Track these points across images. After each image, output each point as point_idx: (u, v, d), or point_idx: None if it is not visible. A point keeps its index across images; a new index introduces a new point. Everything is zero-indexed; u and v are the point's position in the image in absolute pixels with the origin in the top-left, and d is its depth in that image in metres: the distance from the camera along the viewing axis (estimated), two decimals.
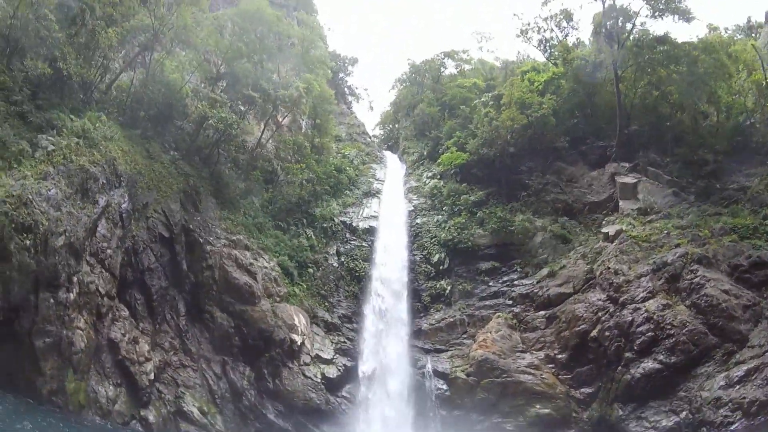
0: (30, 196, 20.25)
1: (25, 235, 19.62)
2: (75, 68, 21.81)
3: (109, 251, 23.59)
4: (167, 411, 23.83)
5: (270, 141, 33.34)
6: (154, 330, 25.32)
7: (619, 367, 25.43)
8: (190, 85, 28.52)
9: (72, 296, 21.53)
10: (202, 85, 29.49)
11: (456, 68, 43.27)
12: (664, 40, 32.38)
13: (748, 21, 46.16)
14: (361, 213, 35.03)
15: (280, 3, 37.95)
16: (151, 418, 22.86)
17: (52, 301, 20.55)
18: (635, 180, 30.77)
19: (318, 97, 33.68)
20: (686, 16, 32.33)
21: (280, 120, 34.00)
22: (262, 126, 32.36)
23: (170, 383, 24.75)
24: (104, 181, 23.46)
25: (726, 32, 43.70)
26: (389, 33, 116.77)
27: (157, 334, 25.45)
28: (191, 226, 27.92)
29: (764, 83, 30.50)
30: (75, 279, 21.87)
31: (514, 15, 38.73)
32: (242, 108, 29.62)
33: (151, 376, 23.74)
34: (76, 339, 21.18)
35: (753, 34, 42.40)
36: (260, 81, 30.09)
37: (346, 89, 47.98)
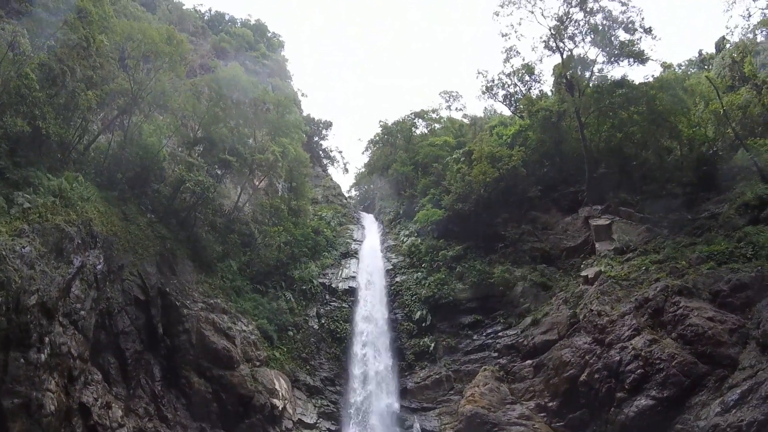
0: (3, 253, 19.87)
1: None
2: (54, 128, 22.13)
3: (82, 312, 22.95)
4: None
5: (247, 204, 33.58)
6: (128, 395, 24.22)
7: (612, 408, 24.97)
8: (167, 149, 29.02)
9: (43, 357, 20.68)
10: (179, 148, 30.01)
11: (427, 127, 44.89)
12: (621, 83, 34.30)
13: (700, 54, 49.36)
14: (339, 274, 34.93)
15: (255, 70, 39.50)
16: None
17: (22, 360, 19.68)
18: (608, 221, 31.46)
19: (294, 160, 34.39)
20: (640, 58, 34.56)
21: (257, 183, 34.45)
22: (239, 189, 32.70)
23: None
24: (79, 242, 23.20)
25: (680, 68, 46.60)
26: (362, 96, 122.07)
27: (131, 400, 24.31)
28: (168, 289, 27.44)
29: (721, 111, 32.04)
30: (47, 339, 21.10)
31: (479, 73, 41.03)
32: (219, 172, 30.07)
33: None
34: (47, 401, 20.13)
35: (705, 66, 45.05)
36: (236, 145, 30.76)
37: (321, 152, 49.12)
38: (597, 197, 32.41)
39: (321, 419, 29.45)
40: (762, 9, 37.22)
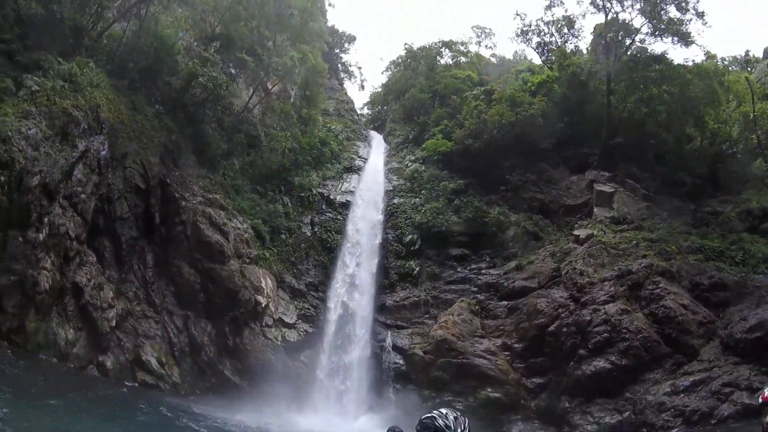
0: (9, 133, 20.27)
1: (0, 171, 19.72)
2: (69, 12, 21.65)
3: (83, 196, 23.70)
4: (125, 358, 24.21)
5: (257, 107, 33.29)
6: (119, 278, 25.57)
7: (572, 363, 26.15)
8: (182, 42, 28.35)
9: (41, 236, 21.68)
10: (195, 43, 29.32)
11: (452, 59, 43.14)
12: (660, 59, 32.78)
13: (746, 54, 46.94)
14: (339, 187, 35.24)
15: None
16: (108, 364, 23.25)
17: (20, 239, 20.68)
18: (612, 189, 31.31)
19: (311, 69, 33.54)
20: (686, 39, 32.61)
21: (270, 87, 33.94)
22: (251, 91, 32.26)
23: (131, 332, 25.09)
24: (86, 127, 23.46)
25: (723, 62, 44.36)
26: (390, 15, 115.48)
27: (123, 283, 25.70)
28: (168, 180, 28.00)
29: (752, 116, 31.12)
30: (46, 220, 22.00)
31: (517, 15, 38.90)
32: (233, 71, 29.51)
33: (113, 323, 24.08)
34: (41, 279, 21.39)
35: (749, 68, 43.04)
36: (255, 46, 29.93)
37: (339, 65, 47.82)
38: (607, 164, 31.96)
39: (300, 321, 30.96)
40: None
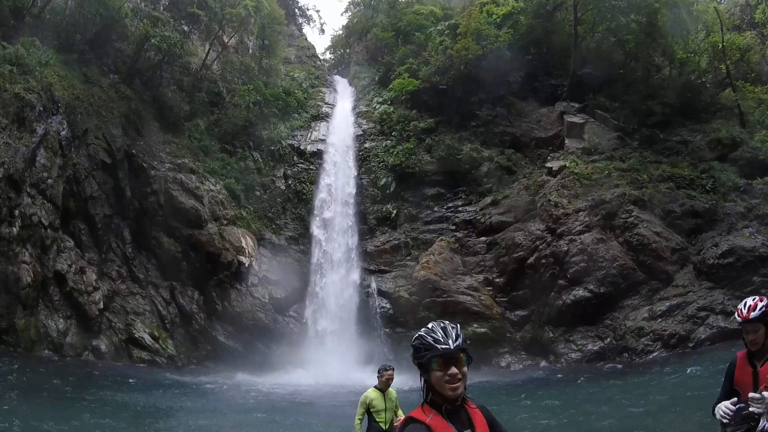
0: None
1: None
2: None
3: (50, 181, 22.89)
4: (119, 339, 24.28)
5: (215, 62, 31.73)
6: (100, 259, 25.20)
7: (552, 293, 27.19)
8: (129, 5, 26.45)
9: (15, 230, 21.09)
10: (143, 3, 27.36)
11: None
12: None
13: None
14: (309, 136, 34.46)
15: None
16: (103, 347, 23.33)
17: None
18: (583, 120, 31.47)
19: (267, 17, 31.81)
20: None
21: (227, 40, 32.22)
22: (207, 47, 30.62)
23: (120, 312, 25.06)
24: (41, 109, 22.32)
25: None
26: None
27: (104, 264, 25.36)
28: (134, 151, 27.07)
29: (720, 46, 31.01)
30: (16, 212, 21.35)
31: None
32: (186, 28, 27.87)
33: (100, 306, 23.97)
34: (22, 273, 20.99)
35: None
36: None
37: (296, 10, 45.36)
38: (576, 95, 31.87)
39: (285, 276, 31.04)
40: None
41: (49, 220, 22.64)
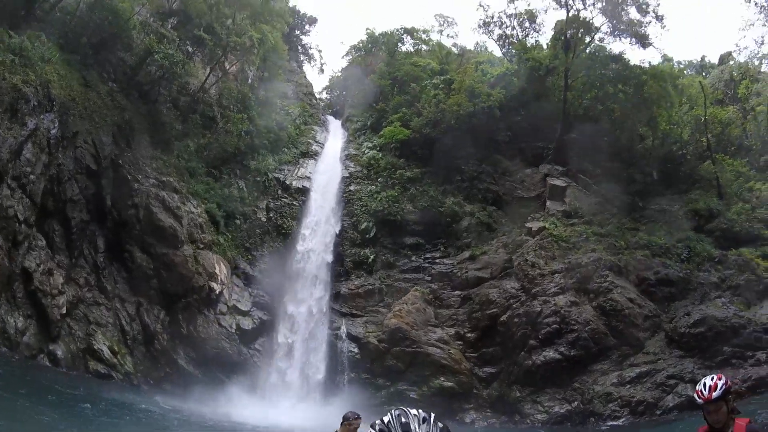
0: None
1: None
2: None
3: (32, 177, 22.46)
4: (77, 347, 23.26)
5: (214, 87, 32.10)
6: (70, 264, 24.45)
7: (523, 353, 27.06)
8: (138, 17, 26.90)
9: None
10: (152, 18, 27.86)
11: (413, 46, 43.04)
12: (618, 59, 33.90)
13: (702, 59, 49.27)
14: (296, 172, 34.65)
15: None
16: (59, 353, 22.30)
17: None
18: (565, 184, 32.37)
19: (270, 50, 32.62)
20: (644, 41, 33.84)
21: (228, 67, 32.78)
22: (208, 70, 31.08)
23: (82, 320, 24.12)
24: (35, 104, 22.15)
25: (679, 65, 46.36)
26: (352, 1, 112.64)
27: (73, 269, 24.58)
28: (121, 162, 26.81)
29: (703, 119, 32.71)
30: None
31: (480, 6, 39.57)
32: (190, 49, 28.32)
33: (63, 311, 23.07)
34: None
35: (703, 73, 45.20)
36: (213, 24, 28.75)
37: (299, 47, 46.66)
38: (561, 159, 32.99)
39: (255, 308, 30.47)
40: None
41: (24, 215, 22.04)
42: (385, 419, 2.57)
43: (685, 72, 44.02)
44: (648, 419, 23.37)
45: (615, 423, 24.11)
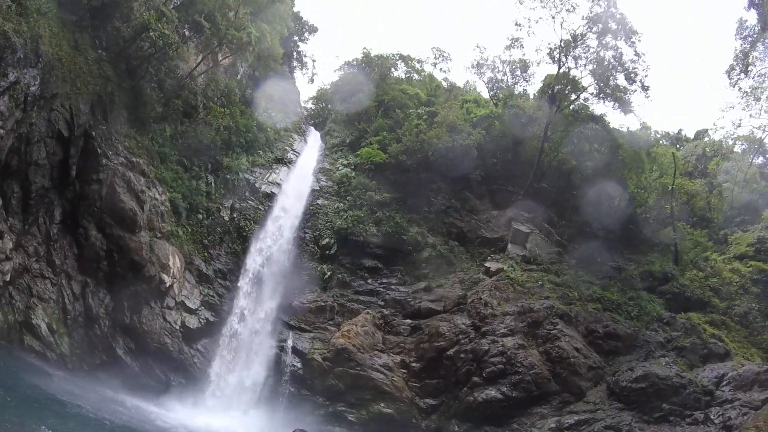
0: None
1: None
2: None
3: (1, 131, 21.22)
4: (14, 319, 21.90)
5: (202, 76, 31.52)
6: (22, 229, 23.13)
7: (465, 389, 27.35)
8: None
9: None
10: None
11: (405, 74, 43.82)
12: (598, 119, 35.69)
13: (679, 132, 52.56)
14: (267, 176, 34.18)
15: None
16: None
17: None
18: (529, 230, 33.38)
19: (266, 50, 32.44)
20: (626, 107, 35.75)
21: (220, 59, 32.31)
22: (200, 58, 30.52)
23: (24, 291, 22.76)
24: (21, 56, 21.16)
25: (655, 134, 49.12)
26: (356, 15, 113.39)
27: (24, 235, 23.24)
28: (93, 133, 25.73)
29: (670, 188, 34.63)
30: None
31: (477, 47, 41.00)
32: (187, 33, 27.73)
33: (7, 278, 21.83)
34: None
35: (678, 145, 48.05)
36: (215, 13, 28.39)
37: (295, 53, 46.44)
38: (528, 206, 34.08)
39: (203, 307, 29.57)
40: (754, 127, 40.12)
41: None
42: None
43: (660, 141, 46.78)
44: None
45: None
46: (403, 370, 29.58)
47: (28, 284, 22.86)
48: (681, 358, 26.04)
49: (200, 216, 31.02)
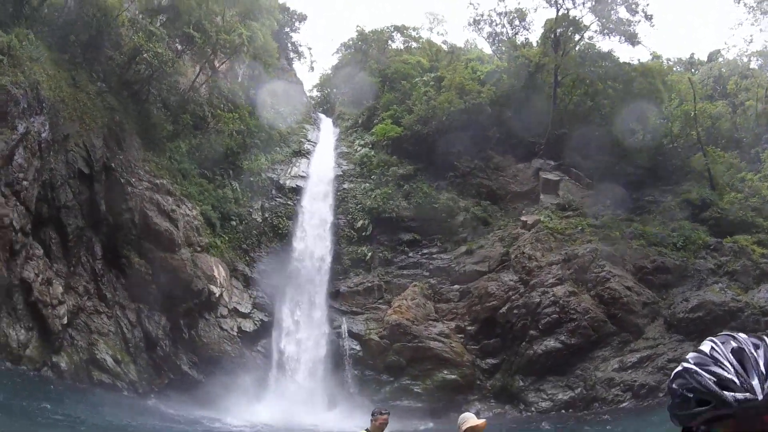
0: None
1: None
2: None
3: (25, 183, 21.68)
4: (79, 358, 22.62)
5: (204, 86, 31.52)
6: (68, 272, 23.73)
7: (523, 343, 27.47)
8: (127, 14, 26.17)
9: None
10: (141, 15, 27.12)
11: (404, 44, 43.06)
12: (607, 56, 34.61)
13: (691, 56, 50.71)
14: (289, 171, 34.29)
15: None
16: (63, 364, 21.66)
17: None
18: (558, 178, 32.87)
19: (260, 48, 32.15)
20: (632, 39, 34.58)
21: (218, 65, 32.18)
22: (198, 69, 30.46)
23: (83, 329, 23.46)
24: (25, 106, 21.38)
25: (668, 62, 47.47)
26: None
27: (72, 277, 23.87)
28: (113, 165, 26.09)
29: (693, 113, 33.55)
30: None
31: (470, 3, 39.91)
32: (179, 47, 27.66)
33: (64, 321, 22.40)
34: None
35: (692, 70, 46.41)
36: (203, 21, 28.18)
37: (289, 45, 46.04)
38: (552, 153, 33.43)
39: (255, 309, 30.12)
40: (766, 41, 38.38)
41: (20, 223, 21.25)
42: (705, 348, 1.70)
43: (674, 69, 45.22)
44: (651, 402, 23.90)
45: (619, 407, 24.63)
46: (460, 335, 29.82)
47: (85, 322, 23.59)
48: (734, 282, 25.60)
49: (233, 223, 31.41)
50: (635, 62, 35.15)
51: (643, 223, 29.43)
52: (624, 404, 24.56)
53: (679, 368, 1.73)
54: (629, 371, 25.10)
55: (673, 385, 1.72)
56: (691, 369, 1.66)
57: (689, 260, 27.23)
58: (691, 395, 1.62)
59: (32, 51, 21.76)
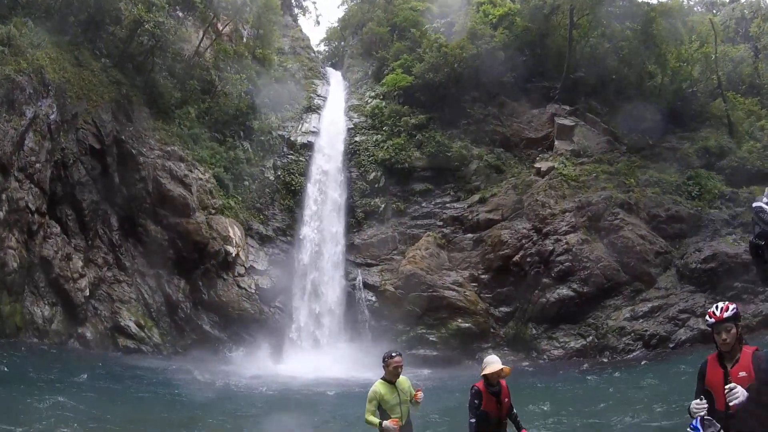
0: None
1: None
2: None
3: (37, 165, 22.60)
4: (104, 327, 24.10)
5: (209, 50, 31.37)
6: (86, 246, 24.92)
7: (537, 291, 27.63)
8: None
9: (1, 214, 20.82)
10: None
11: None
12: None
13: None
14: (300, 128, 34.32)
15: None
16: (88, 335, 23.16)
17: None
18: (573, 123, 31.80)
19: (263, 6, 31.58)
20: None
21: (221, 28, 31.87)
22: (201, 34, 30.25)
23: (105, 299, 24.85)
24: (31, 91, 21.98)
25: (688, 2, 44.32)
26: None
27: (90, 250, 25.08)
28: (123, 137, 26.73)
29: (713, 57, 31.62)
30: (3, 196, 21.10)
31: None
32: (180, 14, 27.48)
33: (86, 293, 23.75)
34: (9, 259, 20.75)
35: (714, 11, 43.16)
36: None
37: (293, 1, 45.07)
38: (568, 98, 32.19)
39: (271, 267, 31.06)
40: None
41: (36, 204, 22.35)
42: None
43: (694, 9, 42.32)
44: (661, 351, 24.04)
45: (629, 356, 24.87)
46: (474, 284, 30.16)
47: (107, 292, 24.98)
48: (748, 234, 24.62)
49: (246, 183, 31.97)
50: (654, 1, 32.99)
51: (659, 171, 28.52)
52: (635, 353, 24.75)
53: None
54: (640, 321, 25.12)
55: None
56: None
57: (703, 210, 26.47)
58: None
59: (32, 38, 22.14)
